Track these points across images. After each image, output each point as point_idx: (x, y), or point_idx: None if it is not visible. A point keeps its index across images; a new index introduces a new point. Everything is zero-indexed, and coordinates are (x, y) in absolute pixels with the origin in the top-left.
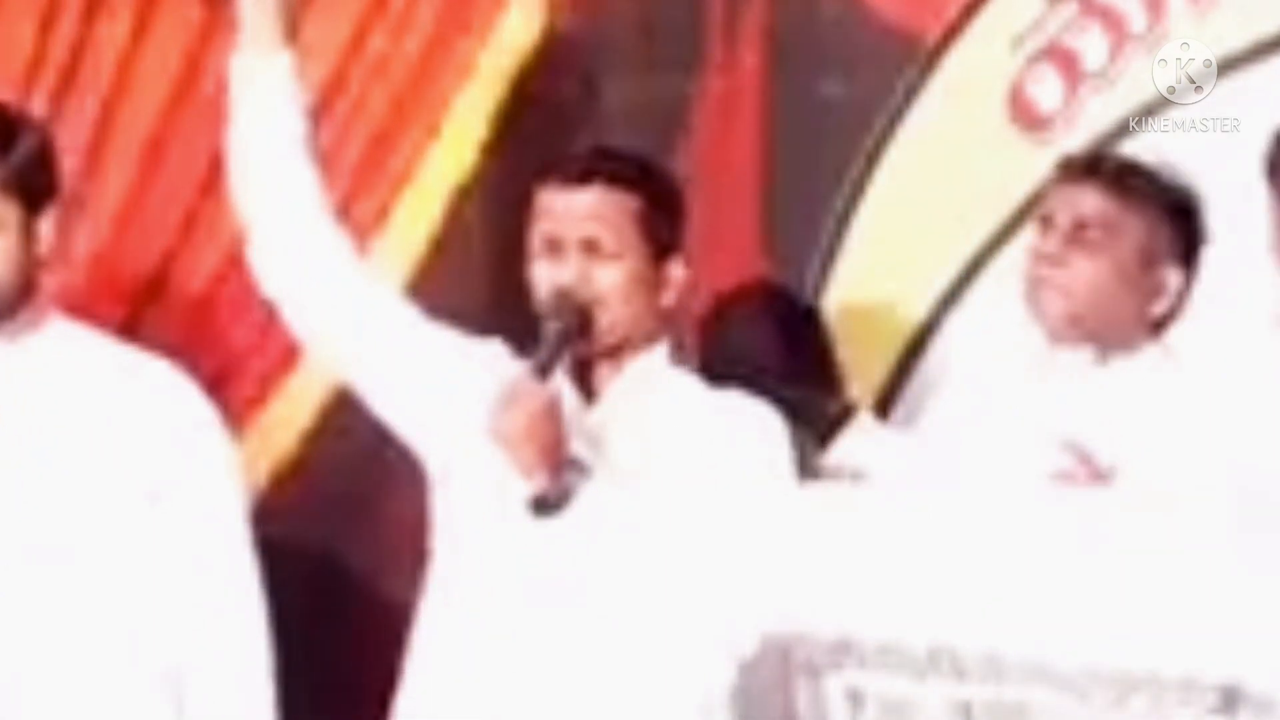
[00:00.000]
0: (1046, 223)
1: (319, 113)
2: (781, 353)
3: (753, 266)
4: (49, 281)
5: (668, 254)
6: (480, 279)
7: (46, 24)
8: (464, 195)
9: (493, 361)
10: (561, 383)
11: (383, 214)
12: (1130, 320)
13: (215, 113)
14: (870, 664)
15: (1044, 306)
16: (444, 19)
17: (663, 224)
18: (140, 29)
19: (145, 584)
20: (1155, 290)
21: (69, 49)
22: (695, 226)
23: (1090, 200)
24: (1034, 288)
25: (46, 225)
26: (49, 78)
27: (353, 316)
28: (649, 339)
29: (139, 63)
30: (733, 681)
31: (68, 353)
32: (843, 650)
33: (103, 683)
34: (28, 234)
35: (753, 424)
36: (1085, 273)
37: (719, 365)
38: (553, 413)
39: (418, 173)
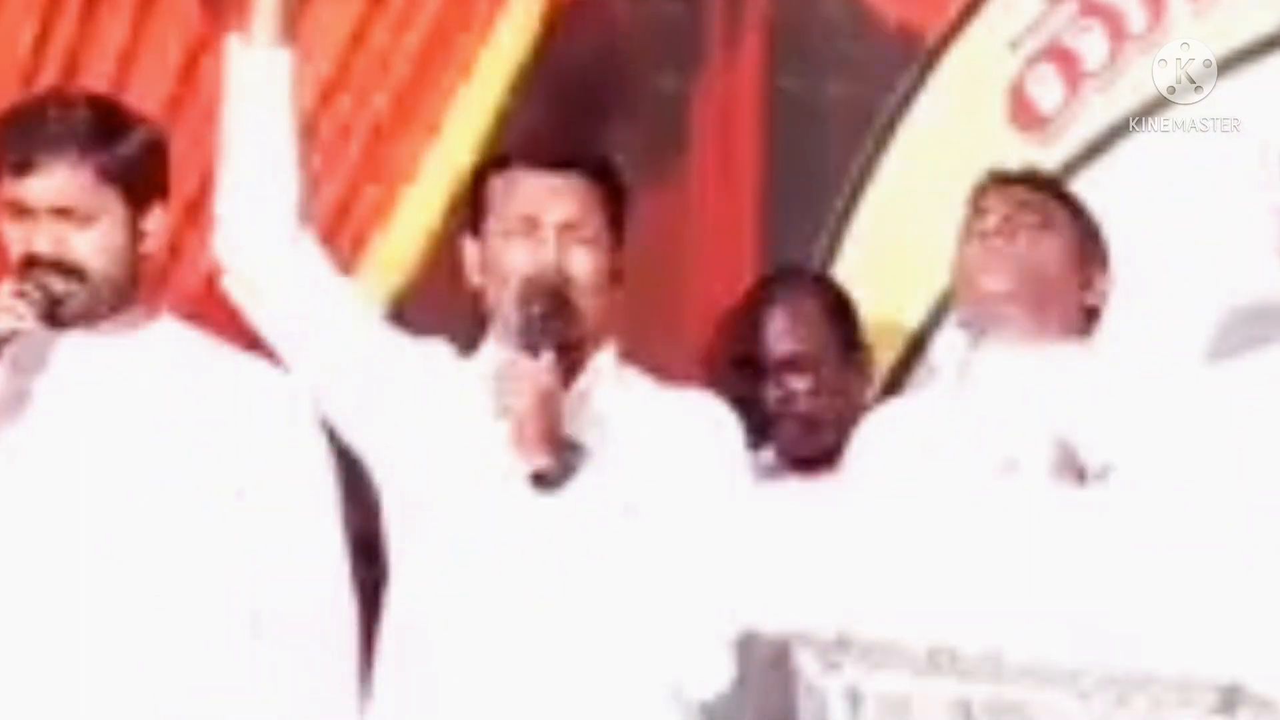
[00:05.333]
0: (982, 212)
1: (320, 110)
2: (826, 340)
3: (753, 266)
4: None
5: (620, 251)
6: None
7: (46, 24)
8: (464, 193)
9: (433, 359)
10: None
11: (383, 212)
12: (1062, 306)
13: (215, 112)
14: (870, 663)
15: (988, 280)
16: (444, 17)
17: (620, 220)
18: (140, 28)
19: (232, 583)
20: (1086, 283)
21: (69, 48)
22: (695, 226)
23: (1033, 196)
24: (977, 265)
25: (153, 222)
26: (49, 77)
27: (304, 311)
28: (602, 335)
29: (139, 62)
30: (731, 680)
31: (172, 351)
32: (842, 649)
33: (188, 674)
34: (130, 228)
35: (710, 421)
36: (1037, 251)
37: (755, 350)
38: (554, 392)
39: (418, 170)
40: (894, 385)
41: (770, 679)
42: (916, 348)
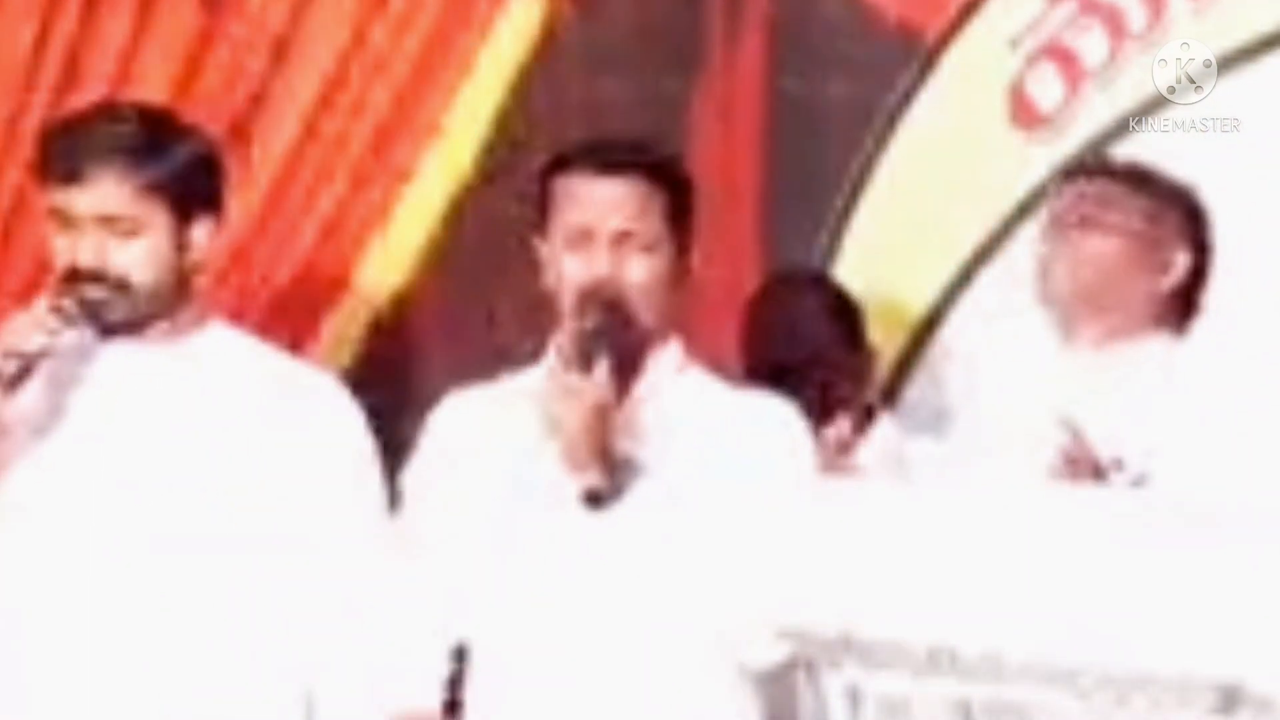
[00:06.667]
0: (1060, 215)
1: (320, 110)
2: (830, 339)
3: (753, 266)
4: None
5: (688, 250)
6: (479, 278)
7: (46, 24)
8: (464, 194)
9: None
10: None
11: (383, 212)
12: (1139, 298)
13: (215, 112)
14: (870, 662)
15: (1055, 284)
16: (444, 17)
17: (685, 218)
18: (140, 28)
19: (275, 589)
20: (1163, 267)
21: (69, 48)
22: (695, 226)
23: (1096, 188)
24: (1044, 268)
25: (200, 233)
26: (49, 77)
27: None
28: (665, 335)
29: (139, 62)
30: (732, 680)
31: (222, 357)
32: (843, 648)
33: (231, 679)
34: (176, 240)
35: (776, 423)
36: (1095, 248)
37: (760, 351)
38: (605, 408)
39: (418, 171)
40: (894, 385)
41: (770, 679)
42: (917, 347)
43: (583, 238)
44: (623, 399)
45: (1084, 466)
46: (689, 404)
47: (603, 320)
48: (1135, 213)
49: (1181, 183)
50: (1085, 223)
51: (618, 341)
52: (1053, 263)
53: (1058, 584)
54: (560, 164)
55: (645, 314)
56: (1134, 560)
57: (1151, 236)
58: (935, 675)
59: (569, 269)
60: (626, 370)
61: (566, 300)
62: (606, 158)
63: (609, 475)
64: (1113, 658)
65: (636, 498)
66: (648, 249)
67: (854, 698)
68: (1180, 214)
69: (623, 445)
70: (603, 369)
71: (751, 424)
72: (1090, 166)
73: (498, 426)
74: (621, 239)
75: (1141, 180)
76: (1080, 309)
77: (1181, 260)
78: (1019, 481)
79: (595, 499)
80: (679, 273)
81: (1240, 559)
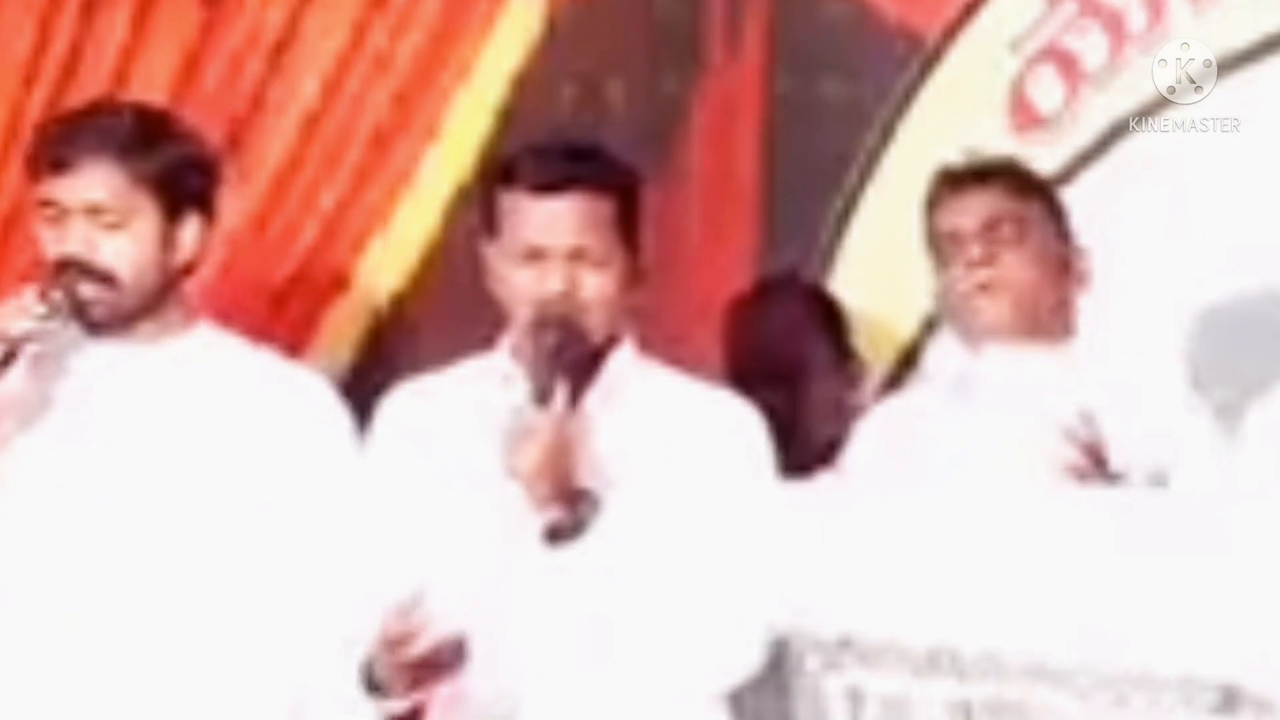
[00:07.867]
0: (955, 237)
1: (320, 112)
2: (811, 344)
3: (753, 266)
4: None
5: (639, 250)
6: (479, 278)
7: (46, 24)
8: (463, 195)
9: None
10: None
11: (382, 214)
12: (1058, 309)
13: (215, 112)
14: (870, 663)
15: (983, 310)
16: (444, 18)
17: (635, 221)
18: (140, 26)
19: (256, 594)
20: (1080, 275)
21: (69, 47)
22: (695, 226)
23: (991, 204)
24: (967, 297)
25: (189, 234)
26: (49, 75)
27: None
28: (617, 337)
29: (139, 62)
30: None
31: (208, 358)
32: (843, 649)
33: (215, 682)
34: (163, 237)
35: (732, 421)
36: (1014, 264)
37: (746, 357)
38: (563, 443)
39: (417, 172)
40: (893, 385)
41: (769, 679)
42: (915, 348)
43: (534, 255)
44: (578, 407)
45: (1095, 460)
46: (644, 406)
47: (560, 339)
48: (1044, 221)
49: (1038, 174)
50: (1006, 243)
51: (574, 357)
52: (979, 292)
53: (1058, 584)
54: (505, 176)
55: (600, 331)
56: (1134, 560)
57: (1060, 241)
58: (935, 675)
59: (521, 286)
60: (580, 382)
61: (519, 313)
62: (552, 175)
63: (571, 510)
64: (1113, 658)
65: (594, 542)
66: (600, 264)
67: (854, 698)
68: (1065, 213)
69: (583, 472)
70: (561, 399)
71: (705, 424)
72: (970, 175)
73: (450, 423)
74: (574, 256)
75: (1032, 182)
76: (1010, 337)
77: (1078, 261)
78: (1018, 482)
79: (556, 536)
80: (633, 277)
81: (1240, 559)
